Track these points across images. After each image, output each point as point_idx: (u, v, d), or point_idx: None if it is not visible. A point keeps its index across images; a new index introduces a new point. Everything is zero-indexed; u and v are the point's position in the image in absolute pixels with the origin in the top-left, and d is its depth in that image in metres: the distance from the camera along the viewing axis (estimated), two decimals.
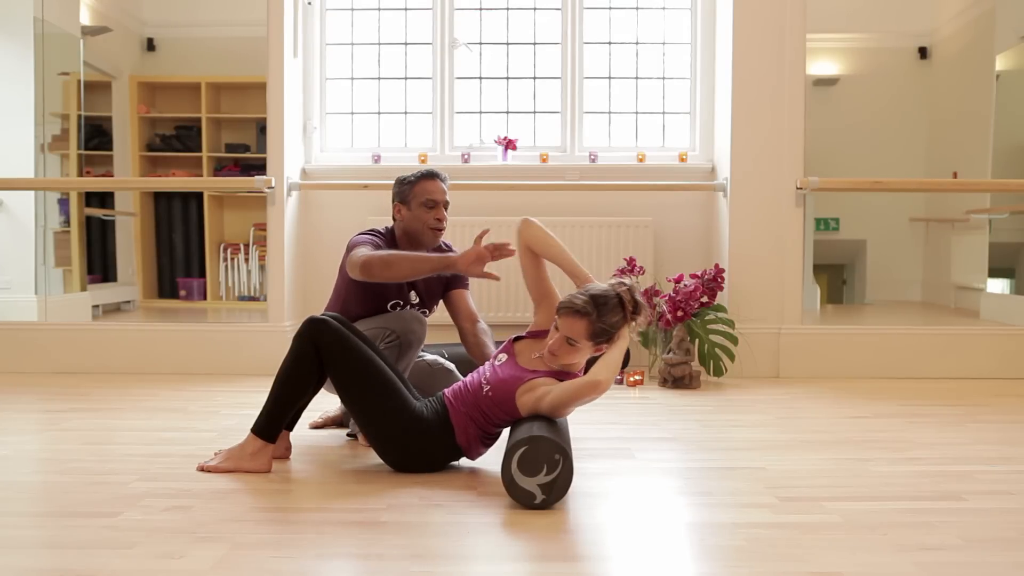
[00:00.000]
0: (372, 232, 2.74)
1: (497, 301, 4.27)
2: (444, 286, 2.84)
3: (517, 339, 2.41)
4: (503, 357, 2.36)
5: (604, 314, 2.17)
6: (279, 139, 4.11)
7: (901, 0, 5.78)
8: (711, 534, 1.85)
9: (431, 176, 2.73)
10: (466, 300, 2.82)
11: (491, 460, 2.35)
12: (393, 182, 2.82)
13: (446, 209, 2.75)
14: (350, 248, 2.65)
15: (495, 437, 2.35)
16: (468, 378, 2.36)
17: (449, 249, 2.85)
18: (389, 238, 2.76)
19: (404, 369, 2.59)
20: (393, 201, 2.78)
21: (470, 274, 2.44)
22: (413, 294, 2.77)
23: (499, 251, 2.41)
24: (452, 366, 2.81)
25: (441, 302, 2.87)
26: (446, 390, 2.36)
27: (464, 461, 2.41)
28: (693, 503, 2.09)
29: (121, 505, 2.00)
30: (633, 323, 2.22)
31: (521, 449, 2.00)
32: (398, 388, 2.28)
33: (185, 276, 5.47)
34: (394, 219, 2.79)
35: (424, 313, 2.78)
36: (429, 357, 2.82)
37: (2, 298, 4.54)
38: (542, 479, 2.00)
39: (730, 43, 4.05)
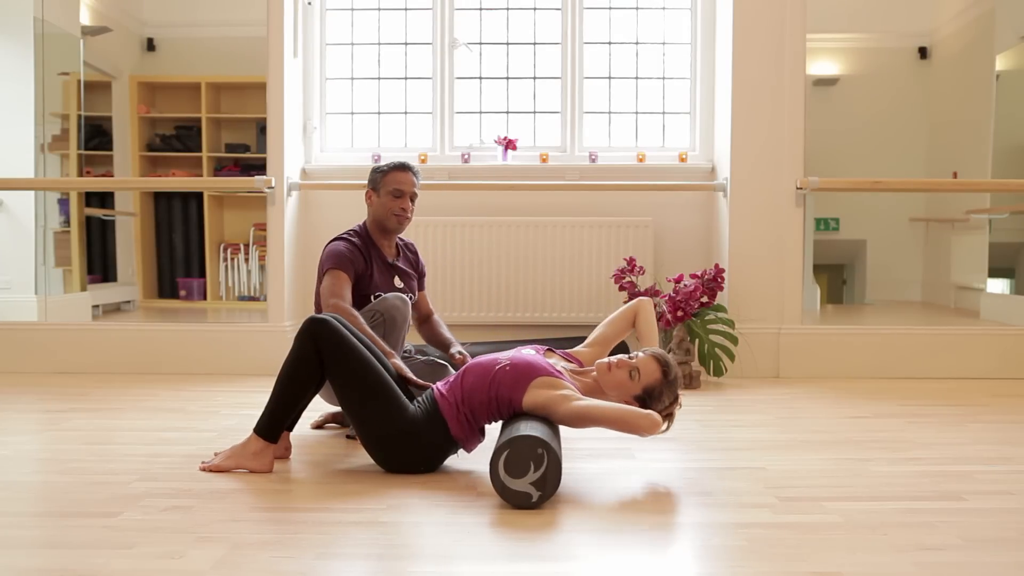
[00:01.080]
0: (346, 239, 2.82)
1: (490, 301, 4.27)
2: (419, 284, 3.02)
3: (550, 350, 2.49)
4: (531, 350, 2.40)
5: (668, 388, 2.30)
6: (279, 139, 4.11)
7: (901, 0, 5.78)
8: (711, 534, 1.85)
9: (402, 168, 2.86)
10: (425, 299, 3.05)
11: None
12: None
13: (413, 202, 2.86)
14: (323, 261, 2.77)
15: (483, 431, 2.36)
16: (474, 361, 2.36)
17: (407, 248, 3.01)
18: (363, 236, 2.86)
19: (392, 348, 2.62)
20: (367, 188, 2.90)
21: (400, 374, 2.46)
22: (397, 279, 2.89)
23: (419, 387, 2.45)
24: (444, 363, 2.84)
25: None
26: (437, 384, 2.38)
27: (462, 461, 2.41)
28: (693, 503, 2.09)
29: (121, 505, 2.01)
30: (660, 424, 2.23)
31: (504, 454, 2.01)
32: (395, 391, 2.28)
33: (185, 276, 5.48)
34: (367, 206, 2.91)
35: (410, 297, 2.90)
36: (421, 357, 2.86)
37: (2, 298, 4.54)
38: (532, 477, 2.00)
39: (730, 43, 4.05)
